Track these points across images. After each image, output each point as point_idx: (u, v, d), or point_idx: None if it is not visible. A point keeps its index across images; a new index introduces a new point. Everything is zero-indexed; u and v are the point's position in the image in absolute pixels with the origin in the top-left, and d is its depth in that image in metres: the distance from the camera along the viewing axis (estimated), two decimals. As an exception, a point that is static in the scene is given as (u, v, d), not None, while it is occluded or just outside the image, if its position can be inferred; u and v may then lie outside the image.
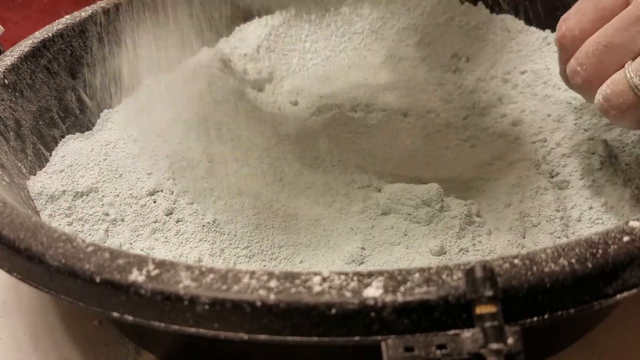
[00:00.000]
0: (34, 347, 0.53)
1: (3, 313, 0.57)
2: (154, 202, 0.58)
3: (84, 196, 0.59)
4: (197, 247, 0.55)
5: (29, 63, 0.67)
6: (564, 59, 0.56)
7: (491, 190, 0.63)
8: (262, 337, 0.31)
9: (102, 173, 0.61)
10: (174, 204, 0.58)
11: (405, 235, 0.56)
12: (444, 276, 0.31)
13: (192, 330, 0.32)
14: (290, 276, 0.32)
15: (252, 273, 0.32)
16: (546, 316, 0.32)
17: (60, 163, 0.63)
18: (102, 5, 0.79)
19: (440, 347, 0.30)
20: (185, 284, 0.32)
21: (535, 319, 0.32)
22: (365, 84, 0.84)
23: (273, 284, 0.31)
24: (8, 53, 0.67)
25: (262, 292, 0.31)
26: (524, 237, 0.56)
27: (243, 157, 0.65)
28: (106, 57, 0.78)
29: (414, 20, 0.88)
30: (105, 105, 0.76)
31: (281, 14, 0.92)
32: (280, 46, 0.89)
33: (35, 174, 0.62)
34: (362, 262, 0.54)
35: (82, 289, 0.34)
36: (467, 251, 0.54)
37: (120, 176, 0.61)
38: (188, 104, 0.69)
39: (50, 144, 0.67)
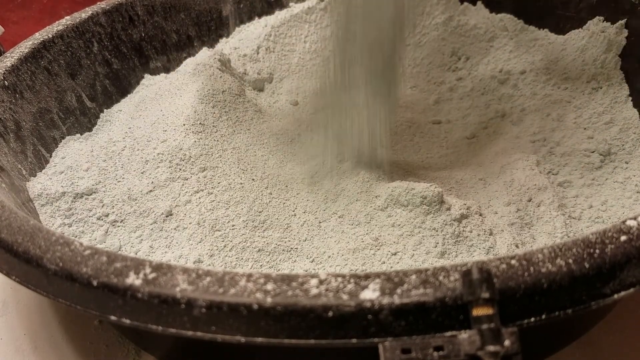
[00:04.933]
0: (34, 347, 0.54)
1: (3, 313, 0.57)
2: (154, 203, 0.58)
3: (84, 197, 0.59)
4: (196, 247, 0.55)
5: (29, 64, 0.67)
6: None
7: (491, 189, 0.63)
8: (259, 340, 0.31)
9: (102, 174, 0.61)
10: (173, 204, 0.58)
11: (404, 233, 0.56)
12: (440, 278, 0.31)
13: (190, 333, 0.32)
14: (287, 279, 0.32)
15: (249, 276, 0.32)
16: (543, 317, 0.32)
17: (60, 164, 0.64)
18: (102, 5, 0.79)
19: (438, 348, 0.30)
20: (182, 287, 0.32)
21: (532, 319, 0.32)
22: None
23: (270, 286, 0.31)
24: (8, 54, 0.67)
25: (259, 295, 0.31)
26: (523, 236, 0.56)
27: (243, 156, 0.66)
28: (106, 57, 0.78)
29: (414, 20, 0.88)
30: (105, 106, 0.77)
31: (281, 14, 0.92)
32: (280, 46, 0.89)
33: (35, 176, 0.62)
34: (360, 258, 0.54)
35: (79, 293, 0.34)
36: (466, 250, 0.54)
37: (119, 177, 0.61)
38: (188, 105, 0.69)
39: (51, 145, 0.67)
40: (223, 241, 0.56)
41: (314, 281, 0.32)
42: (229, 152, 0.65)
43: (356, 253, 0.54)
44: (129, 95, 0.80)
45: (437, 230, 0.55)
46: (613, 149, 0.64)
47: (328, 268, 0.54)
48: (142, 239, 0.56)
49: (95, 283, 0.33)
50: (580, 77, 0.73)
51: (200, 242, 0.56)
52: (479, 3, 0.88)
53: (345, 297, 0.31)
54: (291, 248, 0.56)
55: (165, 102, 0.72)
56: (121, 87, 0.80)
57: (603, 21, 0.75)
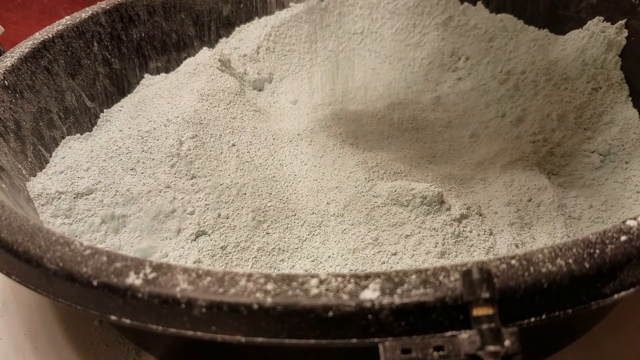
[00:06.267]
0: (34, 347, 0.53)
1: (3, 313, 0.57)
2: (154, 203, 0.58)
3: (84, 197, 0.59)
4: (197, 247, 0.55)
5: (29, 64, 0.67)
6: None
7: (491, 189, 0.63)
8: (260, 339, 0.31)
9: (102, 174, 0.61)
10: (173, 204, 0.58)
11: (404, 233, 0.56)
12: (440, 278, 0.31)
13: (190, 333, 0.32)
14: (287, 279, 0.32)
15: (249, 276, 0.32)
16: (543, 317, 0.32)
17: (60, 164, 0.64)
18: (102, 5, 0.79)
19: (438, 348, 0.30)
20: (182, 287, 0.32)
21: (532, 319, 0.32)
22: (365, 83, 0.84)
23: (270, 286, 0.31)
24: (8, 54, 0.67)
25: (259, 295, 0.31)
26: (523, 236, 0.56)
27: (243, 156, 0.66)
28: (106, 57, 0.78)
29: (414, 20, 0.88)
30: (105, 105, 0.77)
31: (281, 14, 0.93)
32: (280, 46, 0.89)
33: (35, 175, 0.62)
34: (360, 257, 0.54)
35: (79, 292, 0.34)
36: (466, 250, 0.54)
37: (119, 177, 0.61)
38: (188, 104, 0.69)
39: (51, 145, 0.67)
40: (223, 241, 0.56)
41: (314, 281, 0.32)
42: (228, 151, 0.65)
43: (356, 253, 0.54)
44: (128, 95, 0.80)
45: (437, 230, 0.55)
46: (613, 149, 0.64)
47: (328, 268, 0.54)
48: (142, 239, 0.56)
49: (95, 283, 0.33)
50: (580, 77, 0.73)
51: (200, 242, 0.56)
52: (479, 3, 0.88)
53: (345, 297, 0.31)
54: (291, 248, 0.56)
55: (165, 102, 0.72)
56: (121, 87, 0.80)
57: (603, 21, 0.75)
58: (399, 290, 0.31)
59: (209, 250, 0.55)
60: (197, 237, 0.56)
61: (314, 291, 0.31)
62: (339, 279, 0.32)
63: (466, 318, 0.30)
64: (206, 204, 0.58)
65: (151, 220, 0.57)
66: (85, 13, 0.77)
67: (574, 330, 0.49)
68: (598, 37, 0.74)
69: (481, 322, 0.29)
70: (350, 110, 0.77)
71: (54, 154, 0.66)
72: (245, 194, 0.60)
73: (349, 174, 0.63)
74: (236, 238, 0.56)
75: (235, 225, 0.57)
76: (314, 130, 0.72)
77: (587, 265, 0.32)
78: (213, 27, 0.92)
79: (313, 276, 0.32)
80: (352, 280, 0.32)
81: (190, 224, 0.57)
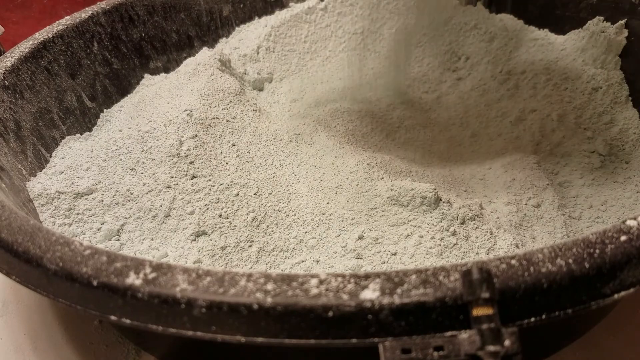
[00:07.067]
0: (34, 347, 0.53)
1: (3, 313, 0.57)
2: (153, 203, 0.58)
3: (84, 197, 0.59)
4: (197, 246, 0.55)
5: (29, 64, 0.67)
6: None
7: (491, 188, 0.63)
8: (259, 339, 0.31)
9: (102, 174, 0.61)
10: (173, 204, 0.58)
11: (404, 233, 0.56)
12: (440, 277, 0.31)
13: (189, 333, 0.32)
14: (287, 279, 0.32)
15: (249, 276, 0.32)
16: (543, 317, 0.32)
17: (60, 164, 0.64)
18: (102, 5, 0.79)
19: (438, 348, 0.30)
20: (182, 287, 0.32)
21: (532, 319, 0.31)
22: (365, 83, 0.84)
23: (270, 286, 0.31)
24: (8, 54, 0.67)
25: (259, 295, 0.31)
26: (523, 236, 0.56)
27: (243, 156, 0.65)
28: (106, 57, 0.78)
29: (414, 20, 0.88)
30: (105, 105, 0.77)
31: (281, 14, 0.93)
32: (280, 46, 0.89)
33: (35, 175, 0.62)
34: (360, 257, 0.54)
35: (79, 293, 0.34)
36: (466, 250, 0.54)
37: (119, 177, 0.61)
38: (188, 104, 0.69)
39: (51, 145, 0.67)
40: (223, 241, 0.56)
41: (314, 281, 0.32)
42: (228, 152, 0.65)
43: (356, 253, 0.54)
44: (128, 95, 0.80)
45: (437, 230, 0.55)
46: (613, 149, 0.64)
47: (328, 268, 0.54)
48: (142, 239, 0.56)
49: (95, 283, 0.33)
50: (580, 77, 0.73)
51: (200, 242, 0.56)
52: (479, 3, 0.88)
53: (345, 297, 0.31)
54: (291, 248, 0.56)
55: (165, 102, 0.72)
56: (121, 87, 0.80)
57: (603, 21, 0.75)
58: (399, 290, 0.31)
59: (209, 250, 0.55)
60: (197, 237, 0.56)
61: (314, 291, 0.31)
62: (339, 279, 0.32)
63: (466, 318, 0.30)
64: (206, 204, 0.58)
65: (151, 220, 0.57)
66: (85, 13, 0.77)
67: (574, 330, 0.49)
68: (598, 37, 0.74)
69: (481, 322, 0.29)
70: (351, 110, 0.77)
71: (54, 154, 0.66)
72: (245, 194, 0.60)
73: (349, 174, 0.63)
74: (236, 238, 0.56)
75: (235, 225, 0.57)
76: (314, 130, 0.72)
77: (587, 265, 0.32)
78: (213, 27, 0.92)
79: (313, 276, 0.32)
80: (352, 280, 0.32)
81: (190, 224, 0.57)
